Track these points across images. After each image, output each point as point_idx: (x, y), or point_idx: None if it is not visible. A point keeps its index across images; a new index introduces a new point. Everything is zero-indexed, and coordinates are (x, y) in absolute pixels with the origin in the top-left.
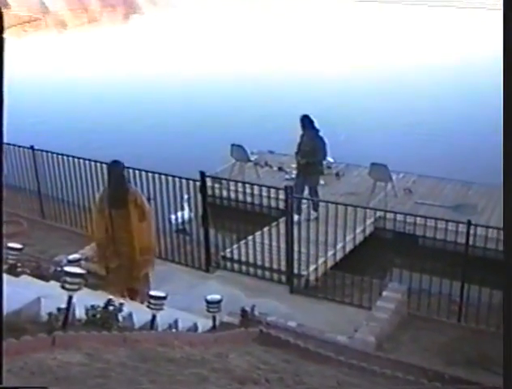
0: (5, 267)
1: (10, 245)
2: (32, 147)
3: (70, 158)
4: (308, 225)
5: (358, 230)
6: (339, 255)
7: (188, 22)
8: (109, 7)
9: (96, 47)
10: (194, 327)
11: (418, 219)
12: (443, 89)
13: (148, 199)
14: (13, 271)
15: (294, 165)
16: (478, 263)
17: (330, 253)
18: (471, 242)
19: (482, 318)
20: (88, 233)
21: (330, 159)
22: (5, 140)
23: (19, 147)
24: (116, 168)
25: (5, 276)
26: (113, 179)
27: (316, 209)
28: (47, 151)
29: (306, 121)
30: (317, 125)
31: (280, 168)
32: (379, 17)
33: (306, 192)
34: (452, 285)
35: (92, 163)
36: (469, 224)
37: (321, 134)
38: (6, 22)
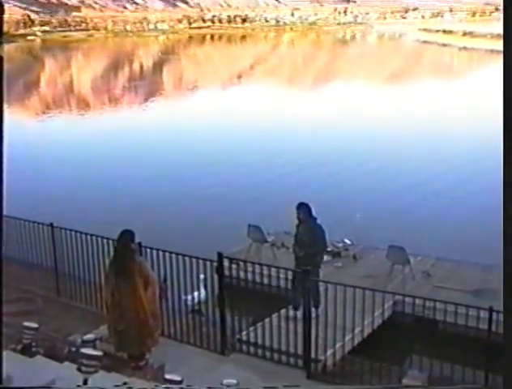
0: (19, 346)
1: (26, 324)
2: (51, 225)
3: (89, 236)
4: (325, 308)
5: (376, 314)
6: (357, 340)
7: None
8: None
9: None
10: None
11: (438, 303)
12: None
13: (164, 280)
14: (27, 352)
15: None
16: (502, 352)
17: (347, 337)
18: (493, 329)
19: None
20: (103, 312)
21: (347, 241)
22: (23, 216)
23: (39, 223)
24: (124, 238)
25: (19, 357)
26: (120, 248)
27: (317, 306)
28: (65, 229)
29: (303, 209)
30: (314, 213)
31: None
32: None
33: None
34: (475, 374)
35: (110, 241)
36: (491, 310)
37: (318, 222)
38: None
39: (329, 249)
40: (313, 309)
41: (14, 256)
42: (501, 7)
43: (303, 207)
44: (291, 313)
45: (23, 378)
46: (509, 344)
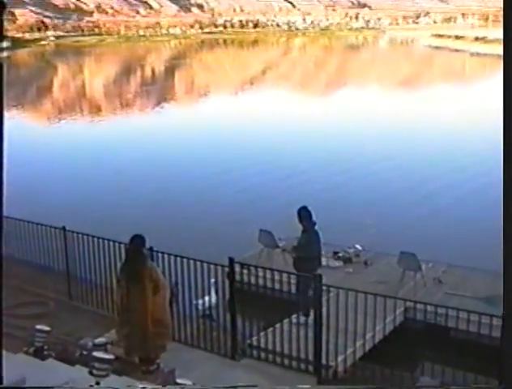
0: (32, 349)
1: (39, 327)
2: (63, 228)
3: (101, 240)
4: (336, 314)
5: (387, 320)
6: (368, 346)
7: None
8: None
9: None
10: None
11: (449, 310)
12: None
13: (176, 284)
14: (39, 354)
15: (323, 251)
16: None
17: (358, 343)
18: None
19: None
20: (114, 316)
21: (358, 246)
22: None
23: (51, 227)
24: (135, 242)
25: (32, 359)
26: (131, 253)
27: (307, 314)
28: (78, 233)
29: (304, 213)
30: (314, 218)
31: None
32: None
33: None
34: (488, 382)
35: (122, 245)
36: (504, 317)
37: (316, 228)
38: None
39: (340, 254)
40: (301, 317)
41: (28, 259)
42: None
43: (303, 212)
44: (302, 318)
45: (35, 381)
46: (509, 341)
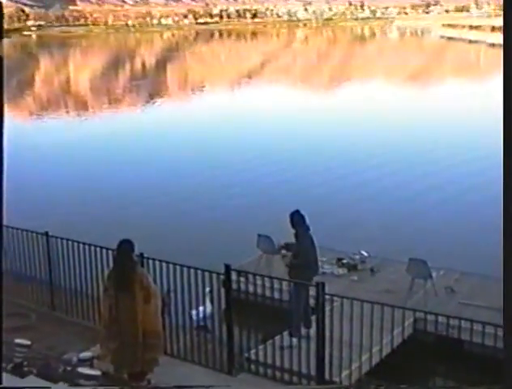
0: (10, 366)
1: (18, 341)
2: (46, 233)
3: (87, 246)
4: (341, 325)
5: (395, 332)
6: (375, 360)
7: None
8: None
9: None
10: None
11: (463, 322)
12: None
13: (168, 291)
14: (19, 371)
15: (325, 259)
16: None
17: (364, 357)
18: None
19: None
20: (100, 327)
21: (364, 252)
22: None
23: (32, 232)
24: (123, 248)
25: (10, 377)
26: (120, 259)
27: (308, 326)
28: (62, 238)
29: (297, 217)
30: (307, 222)
31: None
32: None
33: None
34: None
35: (110, 251)
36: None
37: (311, 232)
38: None
39: (345, 261)
40: (303, 330)
41: (8, 268)
42: None
43: (296, 216)
44: (303, 330)
45: None
46: (509, 341)
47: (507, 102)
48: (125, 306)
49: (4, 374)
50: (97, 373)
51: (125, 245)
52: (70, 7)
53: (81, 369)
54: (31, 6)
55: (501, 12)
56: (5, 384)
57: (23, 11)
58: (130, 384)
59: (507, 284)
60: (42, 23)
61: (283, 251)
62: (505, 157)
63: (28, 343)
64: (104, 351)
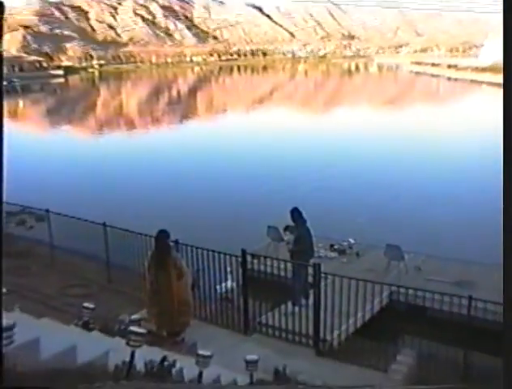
0: (80, 322)
1: (85, 304)
2: (104, 224)
3: (134, 234)
4: (332, 297)
5: (375, 302)
6: (359, 323)
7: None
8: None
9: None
10: (234, 383)
11: (427, 293)
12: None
13: (197, 271)
14: (87, 327)
15: (321, 245)
16: (478, 333)
17: (351, 321)
18: (472, 314)
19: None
20: (145, 296)
21: (351, 240)
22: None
23: (92, 222)
24: (161, 236)
25: (80, 331)
26: (159, 245)
27: (307, 297)
28: (115, 227)
29: (296, 213)
30: (305, 216)
31: None
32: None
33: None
34: (456, 351)
35: (152, 238)
36: (470, 298)
37: (308, 225)
38: None
39: (336, 247)
40: (302, 300)
41: (78, 249)
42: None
43: (295, 212)
44: (302, 301)
45: (83, 348)
46: (509, 344)
47: (507, 105)
48: (163, 281)
49: (76, 329)
50: (144, 331)
51: (162, 234)
52: (124, 49)
53: (132, 328)
54: (94, 50)
55: (455, 54)
56: (77, 337)
57: (89, 54)
58: (168, 340)
59: (507, 286)
60: (102, 62)
61: (287, 232)
62: (505, 153)
63: (93, 306)
64: (149, 315)
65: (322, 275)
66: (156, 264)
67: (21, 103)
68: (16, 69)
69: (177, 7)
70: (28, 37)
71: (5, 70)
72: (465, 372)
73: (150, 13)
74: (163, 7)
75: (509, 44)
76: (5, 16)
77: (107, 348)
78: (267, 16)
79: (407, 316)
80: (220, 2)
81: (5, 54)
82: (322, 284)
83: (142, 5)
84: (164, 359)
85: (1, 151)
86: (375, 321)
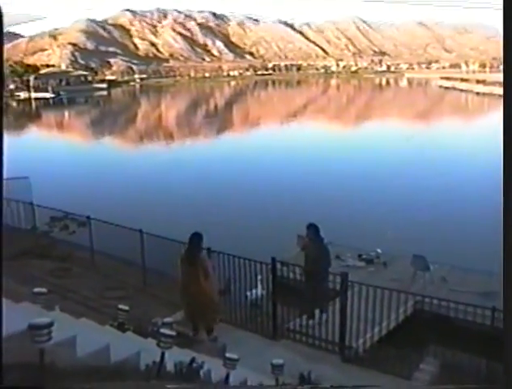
0: (115, 323)
1: (121, 306)
2: (140, 231)
3: (169, 241)
4: (359, 305)
5: (400, 311)
6: (384, 331)
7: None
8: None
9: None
10: (260, 386)
11: (451, 303)
12: None
13: (229, 279)
14: (121, 328)
15: (349, 254)
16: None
17: (376, 329)
18: (495, 324)
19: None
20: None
21: (379, 250)
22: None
23: (130, 229)
24: (193, 238)
25: (115, 331)
26: (190, 246)
27: (323, 312)
28: (151, 234)
29: (312, 229)
30: (322, 234)
31: (337, 257)
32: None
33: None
34: (480, 361)
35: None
36: (494, 309)
37: (325, 242)
38: None
39: (363, 256)
40: (320, 315)
41: (117, 254)
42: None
43: (312, 228)
44: (330, 308)
45: (117, 348)
46: (509, 343)
47: (507, 105)
48: (193, 281)
49: (111, 329)
50: (174, 333)
51: (195, 237)
52: (164, 64)
53: (163, 330)
54: (136, 64)
55: (483, 69)
56: (112, 337)
57: (130, 68)
58: (197, 341)
59: (507, 286)
60: (144, 76)
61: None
62: (505, 152)
63: (127, 308)
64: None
65: (349, 283)
66: (186, 259)
67: (67, 114)
68: (63, 83)
69: (212, 24)
70: (76, 53)
71: (53, 83)
72: (487, 380)
73: (188, 30)
74: (199, 24)
75: (509, 44)
76: (52, 33)
77: (139, 348)
78: (300, 33)
79: (431, 325)
80: (255, 20)
81: (54, 69)
82: (349, 292)
83: (180, 23)
84: (192, 360)
85: (1, 151)
86: (400, 329)
